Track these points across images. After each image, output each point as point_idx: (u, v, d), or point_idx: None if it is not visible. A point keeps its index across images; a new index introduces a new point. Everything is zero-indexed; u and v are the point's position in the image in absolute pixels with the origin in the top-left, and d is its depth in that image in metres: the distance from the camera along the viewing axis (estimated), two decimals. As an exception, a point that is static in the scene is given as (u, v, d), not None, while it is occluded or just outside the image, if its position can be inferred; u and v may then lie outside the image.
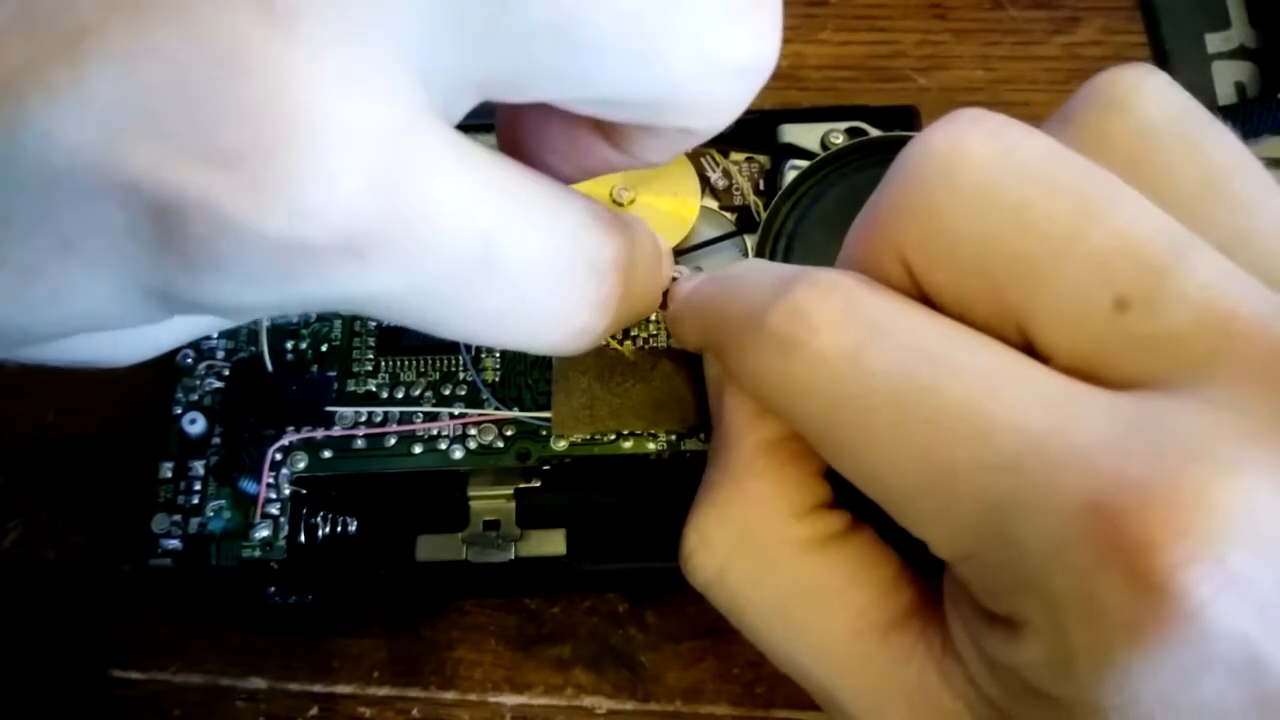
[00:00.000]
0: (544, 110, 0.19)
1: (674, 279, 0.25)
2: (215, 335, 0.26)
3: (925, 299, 0.17)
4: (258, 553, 0.24)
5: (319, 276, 0.13)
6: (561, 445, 0.24)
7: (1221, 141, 0.17)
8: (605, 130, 0.19)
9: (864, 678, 0.18)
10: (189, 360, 0.25)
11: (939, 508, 0.15)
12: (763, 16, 0.17)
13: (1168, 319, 0.14)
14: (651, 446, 0.24)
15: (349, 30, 0.13)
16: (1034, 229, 0.15)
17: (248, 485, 0.24)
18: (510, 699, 0.26)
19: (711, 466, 0.20)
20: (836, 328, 0.16)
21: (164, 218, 0.12)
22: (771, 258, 0.25)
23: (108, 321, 0.14)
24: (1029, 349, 0.16)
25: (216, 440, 0.25)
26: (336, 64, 0.13)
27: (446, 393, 0.25)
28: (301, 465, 0.24)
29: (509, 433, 0.24)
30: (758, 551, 0.18)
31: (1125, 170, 0.16)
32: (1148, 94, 0.17)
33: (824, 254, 0.25)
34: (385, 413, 0.25)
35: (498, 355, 0.25)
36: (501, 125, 0.19)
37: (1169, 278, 0.15)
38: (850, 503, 0.19)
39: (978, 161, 0.16)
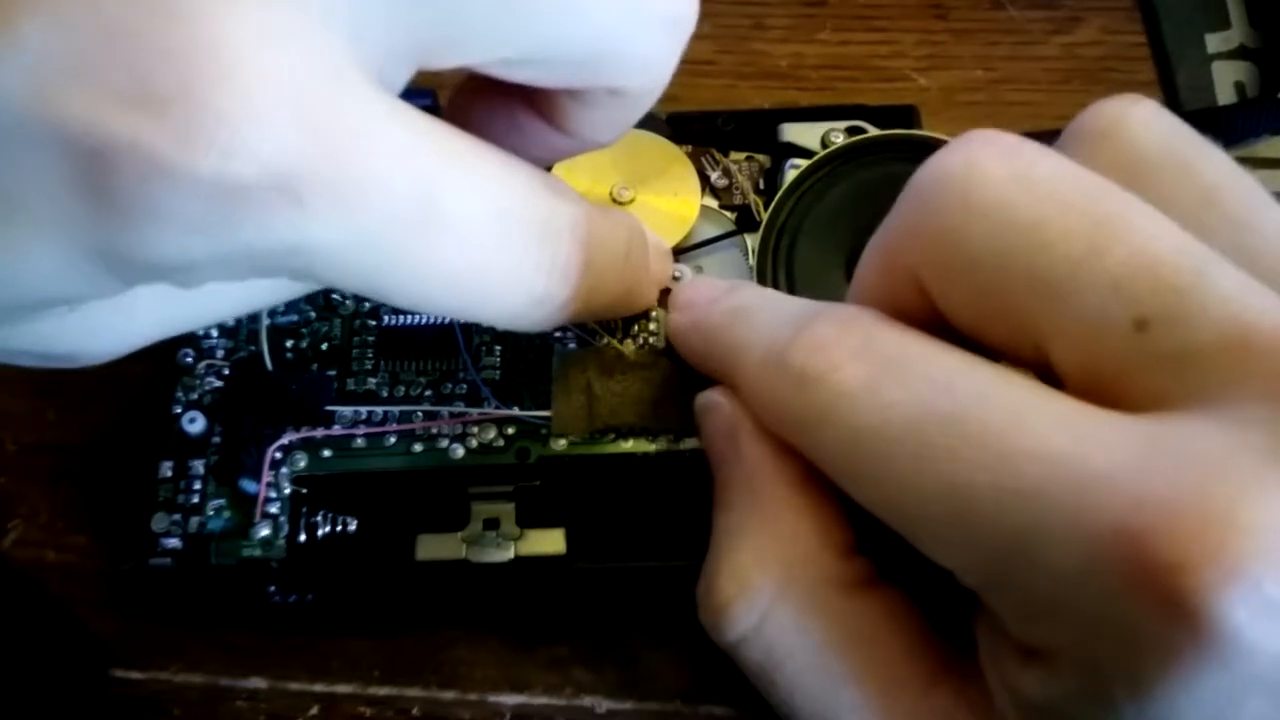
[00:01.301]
0: (485, 97, 0.19)
1: (675, 278, 0.25)
2: (214, 335, 0.26)
3: (941, 321, 0.17)
4: (257, 552, 0.24)
5: (257, 222, 0.13)
6: (561, 444, 0.24)
7: (1214, 162, 0.17)
8: (541, 107, 0.19)
9: None
10: (189, 359, 0.25)
11: (965, 536, 0.15)
12: None
13: (1188, 337, 0.14)
14: (651, 446, 0.24)
15: None
16: (1051, 248, 0.15)
17: (247, 484, 0.24)
18: (510, 698, 0.26)
19: (734, 510, 0.19)
20: (857, 361, 0.16)
21: (98, 164, 0.13)
22: (775, 254, 0.25)
23: (59, 291, 0.14)
24: (1046, 369, 0.16)
25: (216, 439, 0.25)
26: (264, 16, 0.13)
27: (446, 392, 0.25)
28: (301, 464, 0.24)
29: (509, 432, 0.24)
30: (802, 594, 0.18)
31: None
32: (1137, 122, 0.18)
33: (828, 251, 0.25)
34: (385, 412, 0.25)
35: (498, 354, 0.25)
36: (448, 119, 0.19)
37: (1189, 295, 0.14)
38: (871, 552, 0.19)
39: (994, 181, 0.16)
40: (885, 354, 0.16)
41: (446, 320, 0.25)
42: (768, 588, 0.18)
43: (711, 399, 0.20)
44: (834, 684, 0.18)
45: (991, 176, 0.16)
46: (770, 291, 0.22)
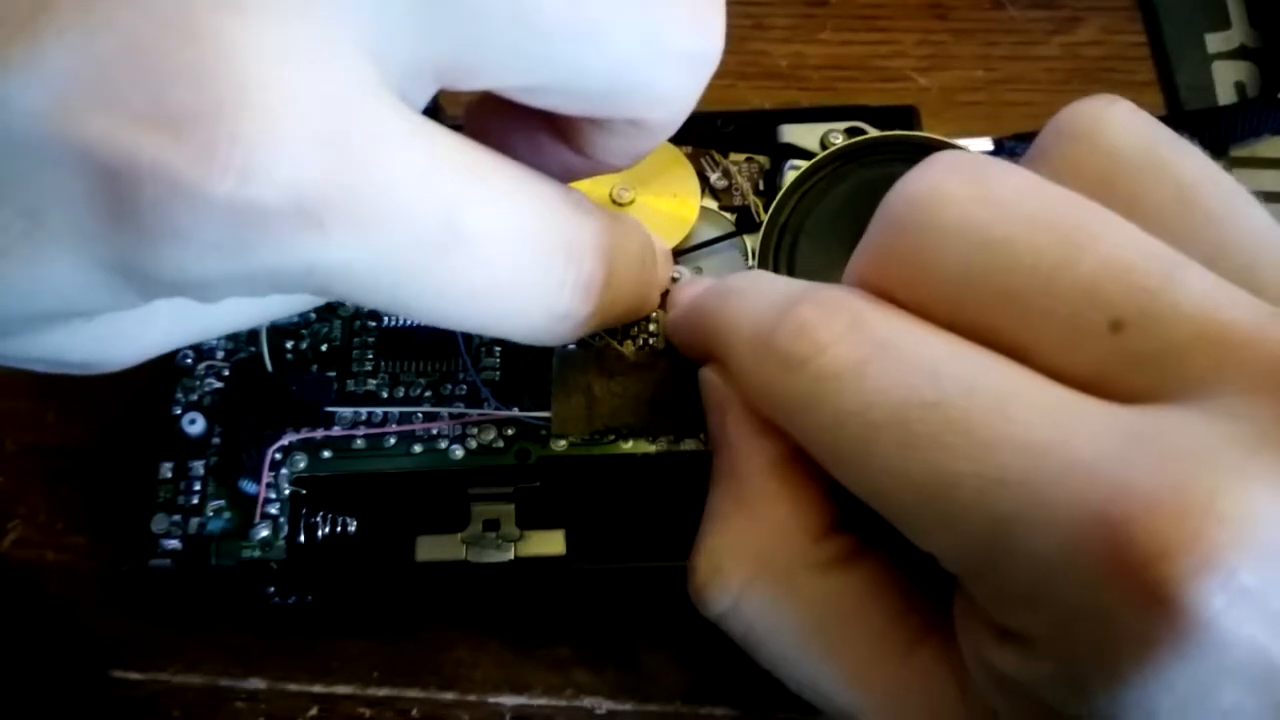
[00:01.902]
0: (505, 115, 0.19)
1: (674, 279, 0.25)
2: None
3: None
4: (257, 553, 0.24)
5: (276, 243, 0.13)
6: (561, 445, 0.24)
7: (1189, 160, 0.17)
8: (562, 130, 0.19)
9: (890, 700, 0.17)
10: (189, 360, 0.25)
11: (945, 522, 0.15)
12: (704, 1, 0.17)
13: (1165, 335, 0.15)
14: (651, 446, 0.24)
15: (297, 5, 0.13)
16: (1020, 263, 0.15)
17: (247, 485, 0.24)
18: (510, 699, 0.26)
19: (717, 491, 0.19)
20: (842, 344, 0.16)
21: (118, 183, 0.13)
22: (777, 252, 0.25)
23: (79, 303, 0.15)
24: None
25: (216, 440, 0.25)
26: (284, 35, 0.13)
27: (446, 393, 0.25)
28: (301, 465, 0.24)
29: (509, 433, 0.24)
30: (776, 578, 0.18)
31: (1098, 197, 0.16)
32: (1111, 121, 0.18)
33: (830, 250, 0.25)
34: (385, 413, 0.25)
35: (497, 355, 0.25)
36: (467, 133, 0.19)
37: (1161, 295, 0.15)
38: (856, 523, 0.19)
39: (960, 202, 0.16)
40: (872, 337, 0.16)
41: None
42: (739, 573, 0.18)
43: (704, 376, 0.21)
44: (814, 659, 0.18)
45: (957, 198, 0.16)
46: (761, 273, 0.22)
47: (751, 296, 0.19)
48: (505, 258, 0.17)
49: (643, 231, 0.22)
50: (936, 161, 0.17)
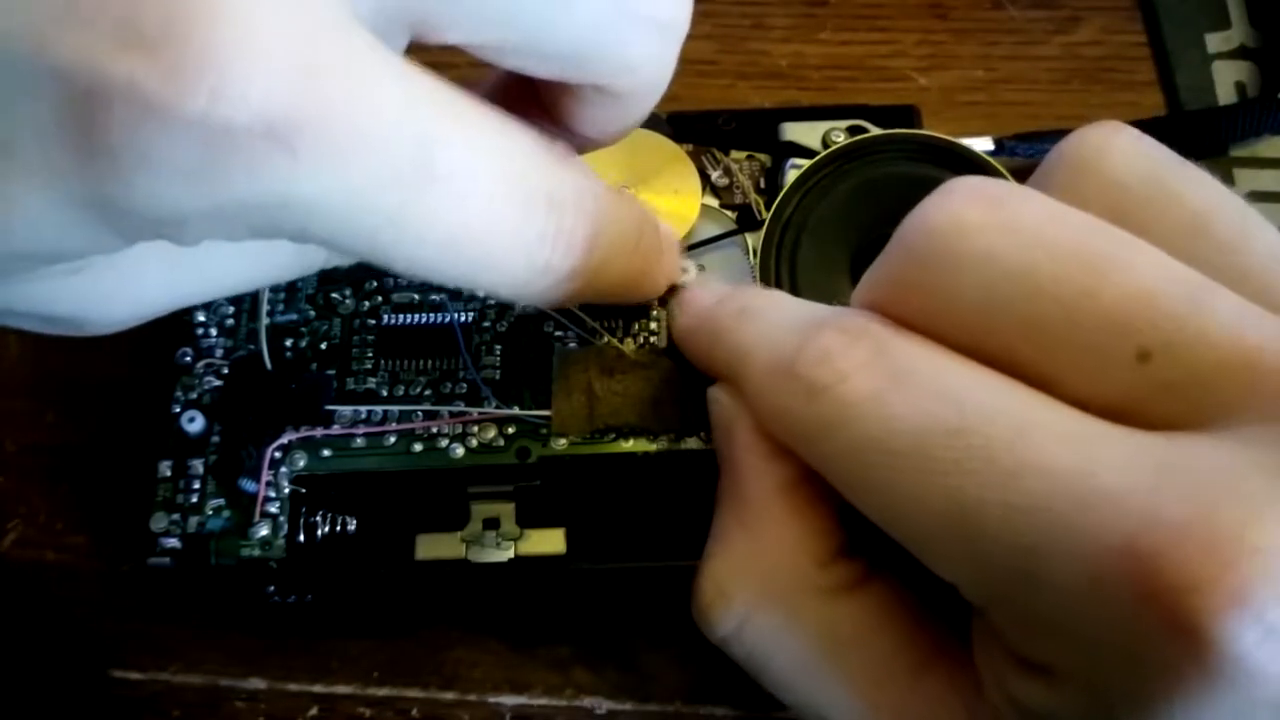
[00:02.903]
0: (497, 95, 0.19)
1: (683, 272, 0.24)
2: (213, 334, 0.26)
3: None
4: (257, 552, 0.24)
5: (248, 170, 0.13)
6: (561, 444, 0.24)
7: (1200, 187, 0.17)
8: (545, 103, 0.19)
9: None
10: (188, 359, 0.25)
11: (967, 551, 0.15)
12: None
13: (1193, 363, 0.14)
14: (652, 446, 0.24)
15: None
16: (1043, 292, 0.15)
17: (247, 484, 0.24)
18: (510, 699, 0.26)
19: (724, 511, 0.19)
20: (865, 372, 0.16)
21: (89, 106, 0.13)
22: (779, 250, 0.25)
23: (56, 245, 0.14)
24: None
25: (215, 439, 0.25)
26: None
27: (446, 391, 0.25)
28: (301, 464, 0.24)
29: (509, 431, 0.24)
30: (780, 603, 0.18)
31: None
32: (1117, 151, 0.17)
33: (832, 248, 0.25)
34: (385, 411, 0.25)
35: (498, 353, 0.25)
36: None
37: (1188, 323, 0.14)
38: (865, 547, 0.19)
39: (980, 232, 0.16)
40: (894, 366, 0.16)
41: (446, 319, 0.25)
42: (744, 597, 0.18)
43: (713, 395, 0.20)
44: (819, 685, 0.18)
45: (977, 227, 0.16)
46: (778, 294, 0.22)
47: (770, 318, 0.19)
48: (481, 197, 0.16)
49: (644, 210, 0.21)
50: (955, 189, 0.16)
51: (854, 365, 0.16)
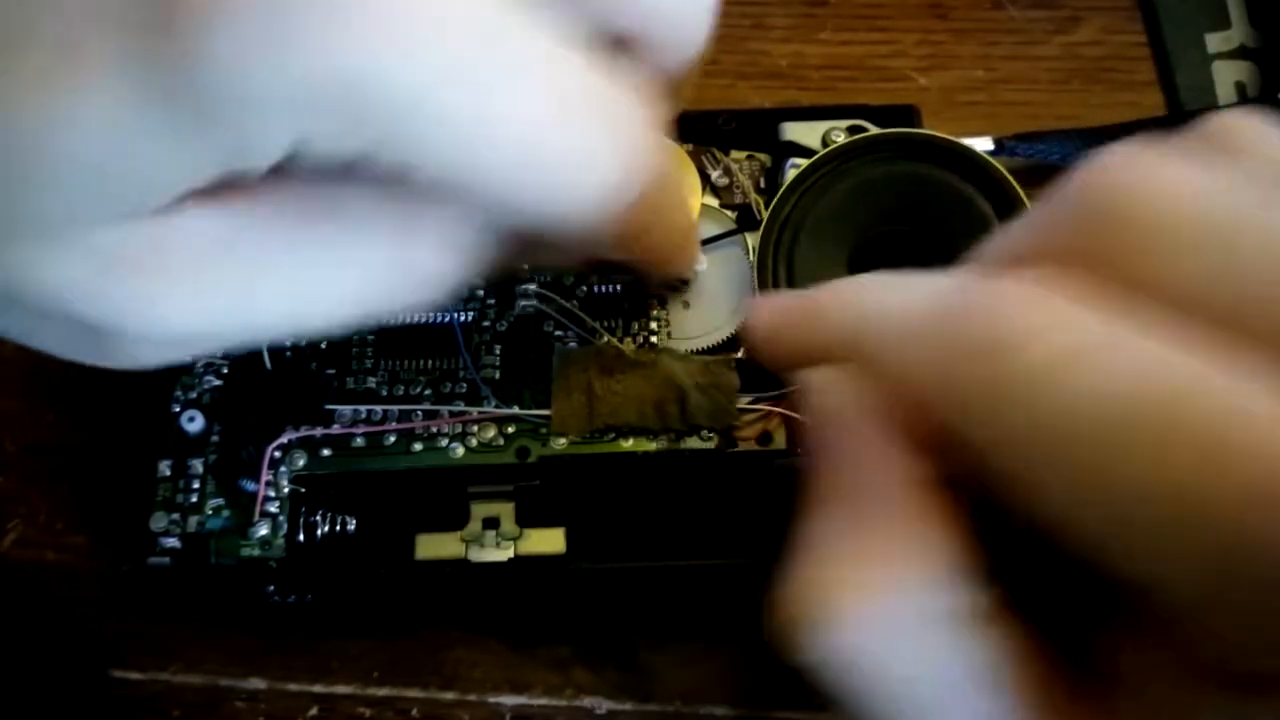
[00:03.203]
0: None
1: (697, 270, 0.24)
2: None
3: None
4: (257, 551, 0.24)
5: (312, 40, 0.13)
6: (561, 443, 0.24)
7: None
8: None
9: None
10: (187, 358, 0.25)
11: (1181, 542, 0.13)
12: None
13: None
14: (652, 445, 0.24)
15: None
16: (1261, 267, 0.13)
17: (246, 484, 0.24)
18: (510, 699, 0.26)
19: (830, 510, 0.16)
20: (1060, 330, 0.14)
21: None
22: (776, 249, 0.25)
23: (125, 160, 0.14)
24: None
25: (215, 438, 0.25)
26: None
27: (446, 391, 0.25)
28: (300, 464, 0.24)
29: (508, 430, 0.24)
30: (903, 624, 0.15)
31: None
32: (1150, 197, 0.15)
33: (829, 247, 0.25)
34: (384, 411, 0.25)
35: (498, 353, 0.25)
36: None
37: None
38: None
39: (1189, 198, 0.14)
40: (1092, 324, 0.14)
41: (446, 319, 0.25)
42: (853, 614, 0.15)
43: (824, 377, 0.17)
44: None
45: (1189, 193, 0.14)
46: (887, 273, 0.18)
47: (904, 284, 0.16)
48: (555, 95, 0.15)
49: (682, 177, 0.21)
50: (1129, 151, 0.14)
51: (1046, 321, 0.14)
